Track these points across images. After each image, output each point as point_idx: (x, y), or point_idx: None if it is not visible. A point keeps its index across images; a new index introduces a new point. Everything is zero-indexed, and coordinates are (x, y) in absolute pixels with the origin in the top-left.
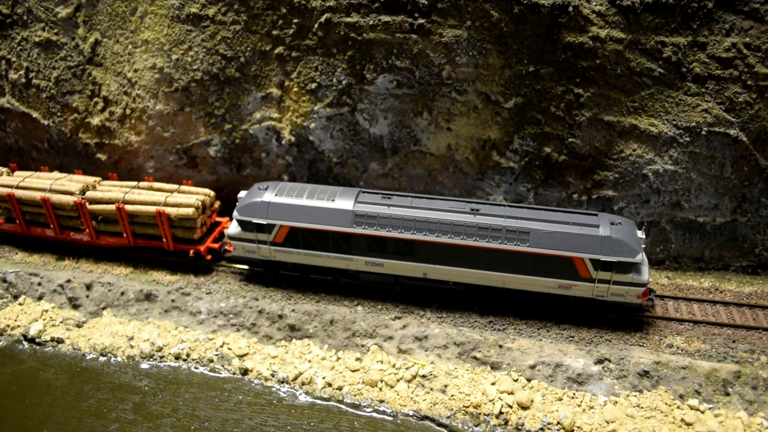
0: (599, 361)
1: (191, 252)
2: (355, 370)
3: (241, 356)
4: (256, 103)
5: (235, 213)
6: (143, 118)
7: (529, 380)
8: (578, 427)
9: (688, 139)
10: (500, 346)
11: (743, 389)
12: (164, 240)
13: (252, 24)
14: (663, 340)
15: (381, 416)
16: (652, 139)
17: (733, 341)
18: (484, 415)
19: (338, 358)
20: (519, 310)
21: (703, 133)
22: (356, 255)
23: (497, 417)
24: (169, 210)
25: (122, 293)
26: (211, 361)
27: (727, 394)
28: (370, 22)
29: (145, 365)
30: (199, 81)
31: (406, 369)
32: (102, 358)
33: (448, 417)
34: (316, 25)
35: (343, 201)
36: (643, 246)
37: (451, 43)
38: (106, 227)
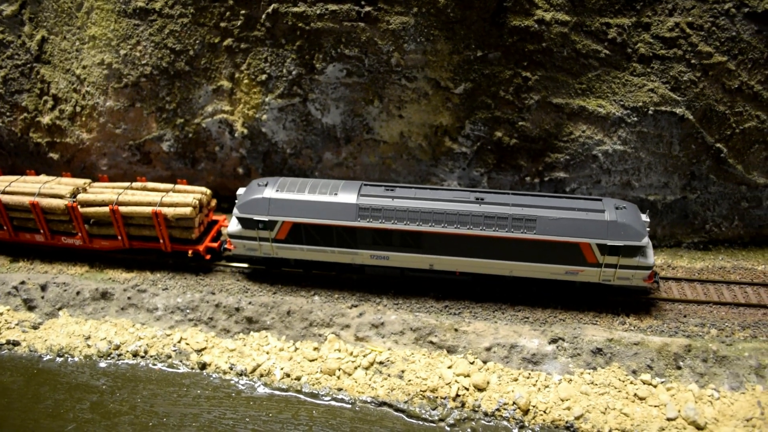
0: (553, 341)
1: (190, 252)
2: (312, 360)
3: (199, 351)
4: (208, 96)
5: (235, 210)
6: (94, 116)
7: (485, 362)
8: (533, 406)
9: (635, 119)
10: (456, 330)
11: (694, 362)
12: (161, 241)
13: (199, 17)
14: (617, 318)
15: (339, 404)
16: (600, 120)
17: (684, 316)
18: (441, 398)
19: (296, 349)
20: (474, 294)
21: (650, 112)
22: (361, 249)
23: (454, 400)
24: (165, 210)
25: (78, 293)
26: (169, 356)
27: (679, 368)
28: (318, 12)
29: (102, 364)
30: (148, 76)
31: (364, 356)
32: (59, 359)
33: (406, 402)
34: (263, 16)
35: (346, 195)
36: (648, 229)
37: (398, 30)
38: (99, 230)
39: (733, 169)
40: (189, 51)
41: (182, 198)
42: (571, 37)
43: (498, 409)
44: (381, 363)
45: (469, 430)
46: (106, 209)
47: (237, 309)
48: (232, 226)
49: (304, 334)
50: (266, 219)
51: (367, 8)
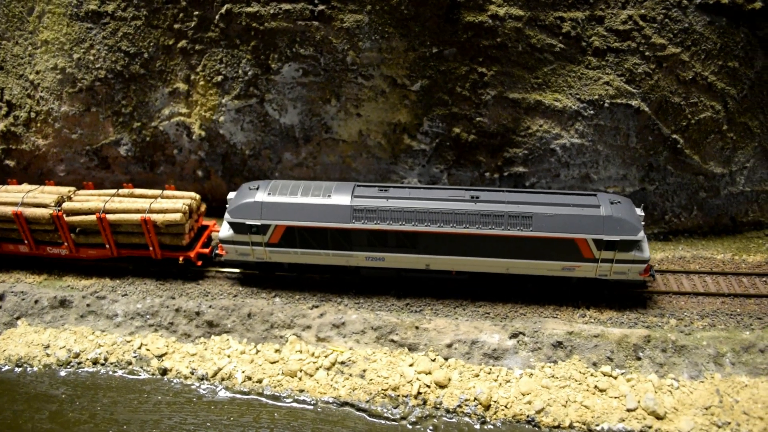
0: (514, 335)
1: (181, 259)
2: (274, 362)
3: (159, 356)
4: (164, 99)
5: (226, 215)
6: (49, 121)
7: (446, 359)
8: (495, 402)
9: (592, 112)
10: (417, 328)
11: (653, 353)
12: (151, 248)
13: (153, 19)
14: (577, 311)
15: (301, 406)
16: (557, 114)
17: (644, 307)
18: (403, 396)
19: (257, 351)
20: (435, 291)
21: (606, 105)
22: (356, 251)
23: (415, 398)
24: (155, 217)
25: (36, 301)
26: (130, 363)
27: (639, 359)
28: (271, 11)
29: (62, 373)
30: (103, 80)
31: (325, 357)
32: (17, 369)
33: (367, 401)
34: (217, 17)
35: (340, 196)
36: (643, 223)
37: (352, 29)
38: (86, 239)
39: (690, 159)
40: (143, 53)
41: (171, 204)
42: (526, 32)
43: (459, 406)
44: (342, 363)
45: (431, 427)
46: (93, 217)
47: (197, 313)
48: (224, 231)
49: (266, 336)
50: (259, 223)
51: (321, 7)
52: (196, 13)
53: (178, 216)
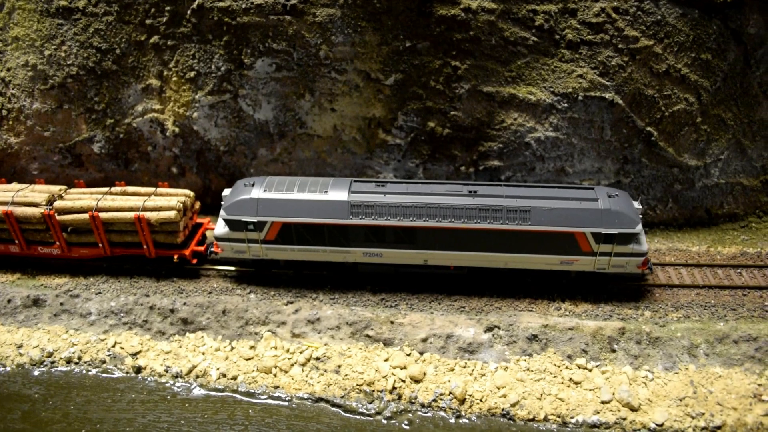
0: (489, 329)
1: (175, 257)
2: (249, 359)
3: (133, 354)
4: (137, 95)
5: (222, 212)
6: (21, 119)
7: (421, 353)
8: (470, 395)
9: (566, 105)
10: (392, 323)
11: (628, 345)
12: (145, 247)
13: (124, 14)
14: (552, 304)
15: (276, 402)
16: (531, 107)
17: (619, 300)
18: (378, 391)
19: (232, 348)
20: (411, 286)
21: (580, 98)
22: (354, 247)
23: (390, 392)
24: (149, 215)
25: (9, 301)
26: (104, 362)
27: (613, 351)
28: (243, 6)
29: (35, 372)
30: (75, 76)
31: (300, 353)
32: None
33: (342, 397)
34: (188, 12)
35: (337, 192)
36: (640, 216)
37: (325, 23)
38: (78, 238)
39: (665, 152)
40: (115, 49)
41: (165, 201)
42: (499, 25)
43: (435, 400)
44: (318, 359)
45: (405, 422)
46: (86, 216)
47: (172, 310)
48: (219, 228)
49: (241, 333)
50: (255, 220)
51: (293, 1)
52: (168, 8)
53: (172, 214)
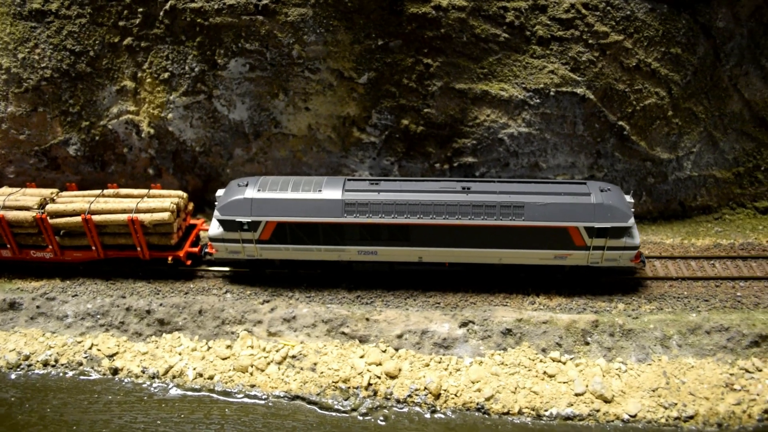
0: (464, 324)
1: (170, 259)
2: (225, 358)
3: (110, 356)
4: (112, 97)
5: (215, 213)
6: None
7: (396, 350)
8: (445, 390)
9: (538, 100)
10: (367, 320)
11: (602, 337)
12: (139, 249)
13: (97, 16)
14: (526, 298)
15: (252, 401)
16: (504, 104)
17: (593, 293)
18: (353, 388)
19: (209, 348)
20: (386, 283)
21: (552, 93)
22: (348, 245)
23: (366, 389)
24: (142, 216)
25: None
26: (81, 364)
27: (587, 344)
28: (215, 6)
29: (12, 376)
30: (49, 79)
31: (276, 351)
32: None
33: (318, 394)
34: (161, 13)
35: (331, 191)
36: (633, 210)
37: (297, 22)
38: (71, 241)
39: (637, 146)
40: (89, 52)
41: (159, 203)
42: (470, 22)
43: (410, 396)
44: (294, 357)
45: (381, 417)
46: (78, 219)
47: (148, 311)
48: (213, 229)
49: (217, 332)
50: (249, 220)
51: (265, 1)
52: (141, 9)
53: (166, 215)
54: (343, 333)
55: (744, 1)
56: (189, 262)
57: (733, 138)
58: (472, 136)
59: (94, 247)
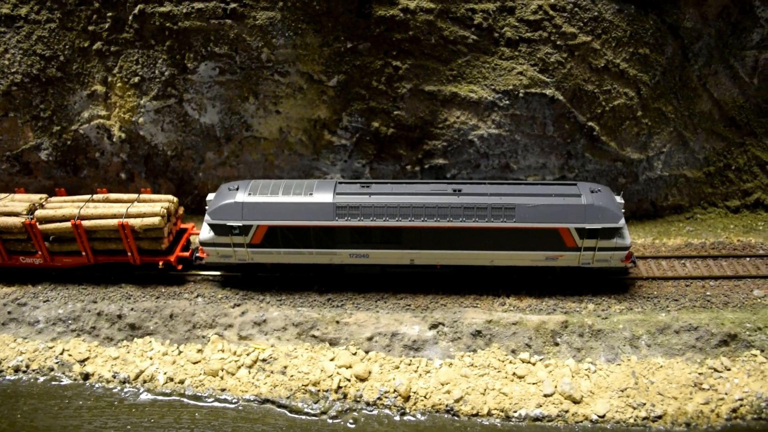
0: (433, 326)
1: (160, 264)
2: (196, 362)
3: (82, 361)
4: (83, 102)
5: (206, 217)
6: None
7: (367, 352)
8: (414, 392)
9: (507, 102)
10: (338, 322)
11: (571, 338)
12: (129, 254)
13: (67, 21)
14: (497, 299)
15: (222, 405)
16: (473, 105)
17: (563, 294)
18: (323, 391)
19: (180, 352)
20: (357, 285)
21: (521, 95)
22: (340, 248)
23: (336, 392)
24: (132, 221)
25: None
26: (52, 369)
27: (556, 344)
28: (184, 10)
29: None
30: (19, 84)
31: (247, 355)
32: None
33: (288, 397)
34: (130, 17)
35: (322, 194)
36: (623, 210)
37: (265, 26)
38: (60, 247)
39: (607, 146)
40: (59, 56)
41: (149, 207)
42: (438, 24)
43: (379, 398)
44: (264, 360)
45: (351, 420)
46: (68, 224)
47: (119, 316)
48: (204, 233)
49: (188, 336)
50: (240, 224)
51: (233, 5)
52: (110, 14)
53: (156, 220)
54: (314, 336)
55: (711, 1)
56: (180, 267)
57: (703, 138)
58: (443, 137)
59: (84, 253)
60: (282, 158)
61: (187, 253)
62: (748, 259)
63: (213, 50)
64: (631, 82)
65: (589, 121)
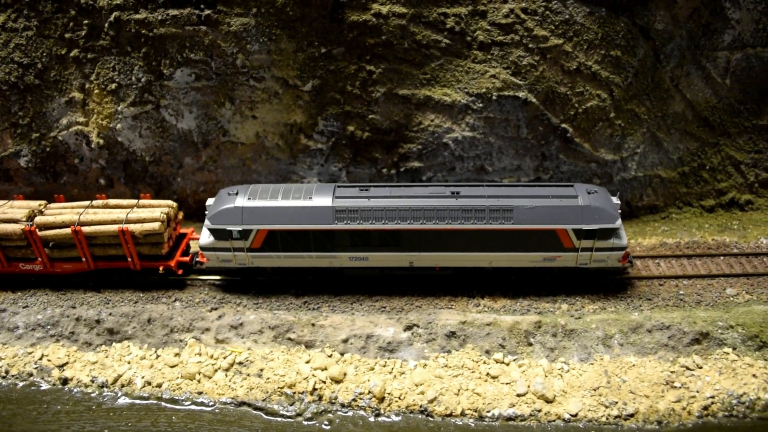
0: (408, 328)
1: (161, 269)
2: (174, 366)
3: (60, 366)
4: (61, 108)
5: (206, 222)
6: None
7: (342, 354)
8: (389, 394)
9: (481, 105)
10: (313, 325)
11: (544, 338)
12: (129, 260)
13: (44, 29)
14: (471, 300)
15: (199, 408)
16: (447, 109)
17: (538, 295)
18: (299, 393)
19: (157, 356)
20: (333, 288)
21: (494, 98)
22: (339, 251)
23: (311, 394)
24: (133, 227)
25: None
26: (31, 375)
27: (530, 344)
28: (159, 17)
29: None
30: None
31: (224, 358)
32: None
33: (264, 400)
34: (106, 25)
35: (321, 198)
36: (619, 211)
37: (240, 32)
38: (60, 253)
39: (581, 147)
40: (37, 64)
41: (149, 213)
42: (410, 29)
43: (354, 399)
44: (241, 363)
45: (326, 422)
46: (68, 231)
47: (98, 321)
48: (204, 238)
49: (166, 340)
50: (240, 228)
51: (207, 11)
52: (86, 21)
53: (156, 225)
54: (290, 339)
55: (682, 3)
56: (180, 272)
57: (677, 138)
58: (417, 141)
59: (84, 259)
60: (259, 163)
61: (187, 258)
62: (722, 258)
63: (188, 56)
64: (603, 83)
65: (563, 122)
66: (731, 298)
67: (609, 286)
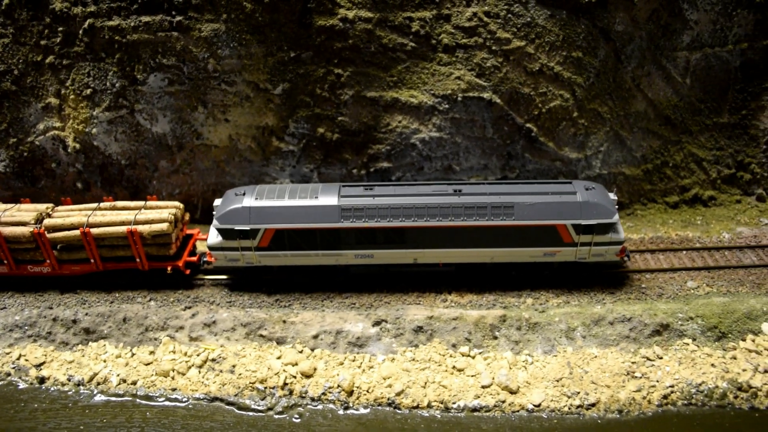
0: (377, 323)
1: (169, 269)
2: (148, 364)
3: (38, 366)
4: (38, 114)
5: (214, 222)
6: None
7: (312, 350)
8: (358, 387)
9: (446, 106)
10: (285, 322)
11: (509, 331)
12: (138, 260)
13: (20, 36)
14: (439, 296)
15: (173, 404)
16: (414, 110)
17: (503, 290)
18: (270, 388)
19: (133, 354)
20: (303, 286)
21: (460, 99)
22: (345, 249)
23: (282, 388)
24: (141, 228)
25: None
26: (8, 374)
27: (495, 338)
28: (132, 24)
29: None
30: None
31: (197, 355)
32: None
33: (236, 395)
34: (80, 31)
35: (327, 197)
36: (616, 206)
37: (211, 37)
38: (68, 255)
39: (546, 146)
40: (13, 70)
41: (157, 214)
42: (377, 33)
43: (324, 393)
44: (214, 360)
45: (296, 415)
46: (77, 232)
47: (74, 321)
48: (212, 237)
49: (141, 339)
50: (248, 228)
51: (178, 18)
52: (61, 28)
53: (164, 226)
54: (262, 335)
55: (640, 5)
56: (188, 272)
57: (639, 136)
58: (386, 141)
59: (92, 260)
60: (233, 165)
61: (194, 258)
62: (684, 252)
63: (161, 62)
64: (565, 84)
65: (527, 122)
66: (692, 291)
67: (573, 282)
